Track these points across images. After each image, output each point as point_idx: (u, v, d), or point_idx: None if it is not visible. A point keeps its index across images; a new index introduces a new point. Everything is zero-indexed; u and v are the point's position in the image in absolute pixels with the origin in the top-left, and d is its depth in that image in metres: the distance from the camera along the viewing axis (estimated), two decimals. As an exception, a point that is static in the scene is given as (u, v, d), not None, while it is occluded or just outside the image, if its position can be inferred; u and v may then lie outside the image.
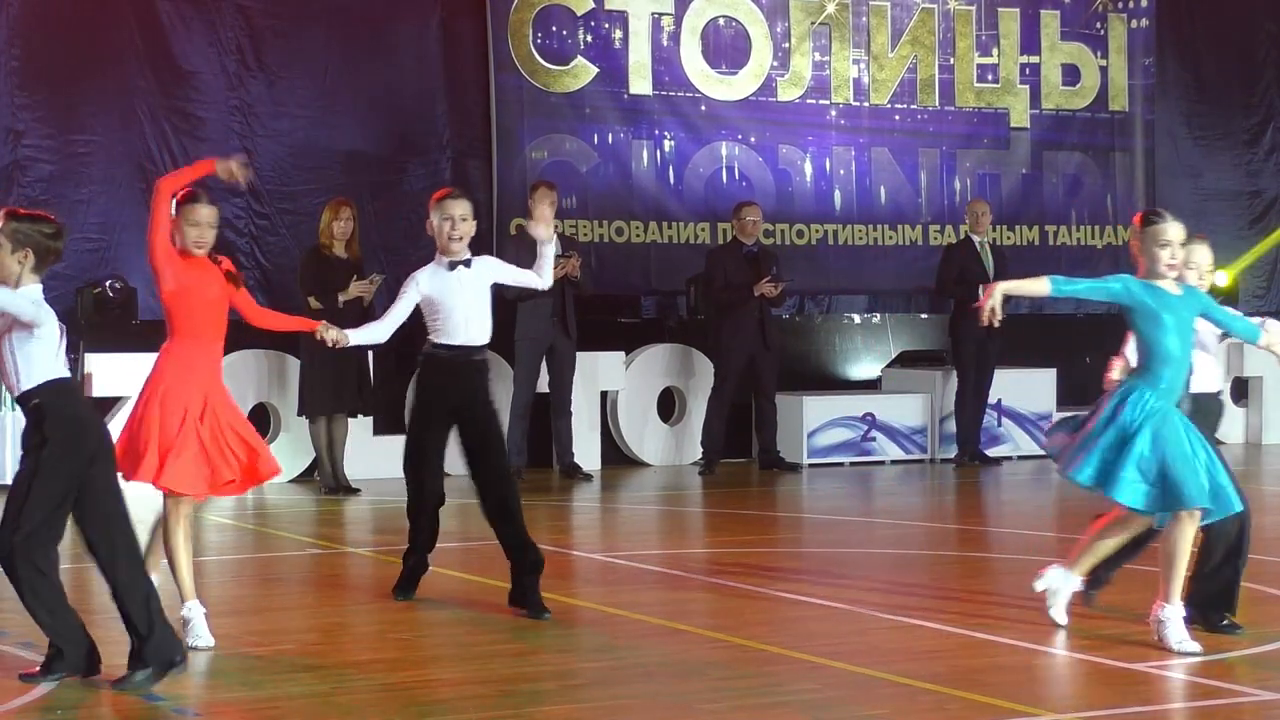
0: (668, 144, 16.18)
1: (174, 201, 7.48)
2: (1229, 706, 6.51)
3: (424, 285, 8.26)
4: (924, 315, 17.04)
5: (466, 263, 8.33)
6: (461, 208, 8.32)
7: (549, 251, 8.61)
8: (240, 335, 13.94)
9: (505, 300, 14.16)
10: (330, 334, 7.86)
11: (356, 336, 8.38)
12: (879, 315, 17.10)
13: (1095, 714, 6.36)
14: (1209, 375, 8.17)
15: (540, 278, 8.66)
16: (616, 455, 14.96)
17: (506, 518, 8.33)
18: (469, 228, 8.25)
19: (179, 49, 14.60)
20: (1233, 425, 16.99)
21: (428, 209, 8.35)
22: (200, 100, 14.69)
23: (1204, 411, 8.00)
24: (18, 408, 6.96)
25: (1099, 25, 17.75)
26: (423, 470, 8.53)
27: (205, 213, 7.53)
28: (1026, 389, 15.90)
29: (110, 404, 13.25)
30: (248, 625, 8.21)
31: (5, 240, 6.54)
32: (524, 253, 13.91)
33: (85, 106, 14.27)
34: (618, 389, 14.95)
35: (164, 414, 7.31)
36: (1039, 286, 7.67)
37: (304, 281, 13.09)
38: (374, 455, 13.88)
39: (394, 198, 15.15)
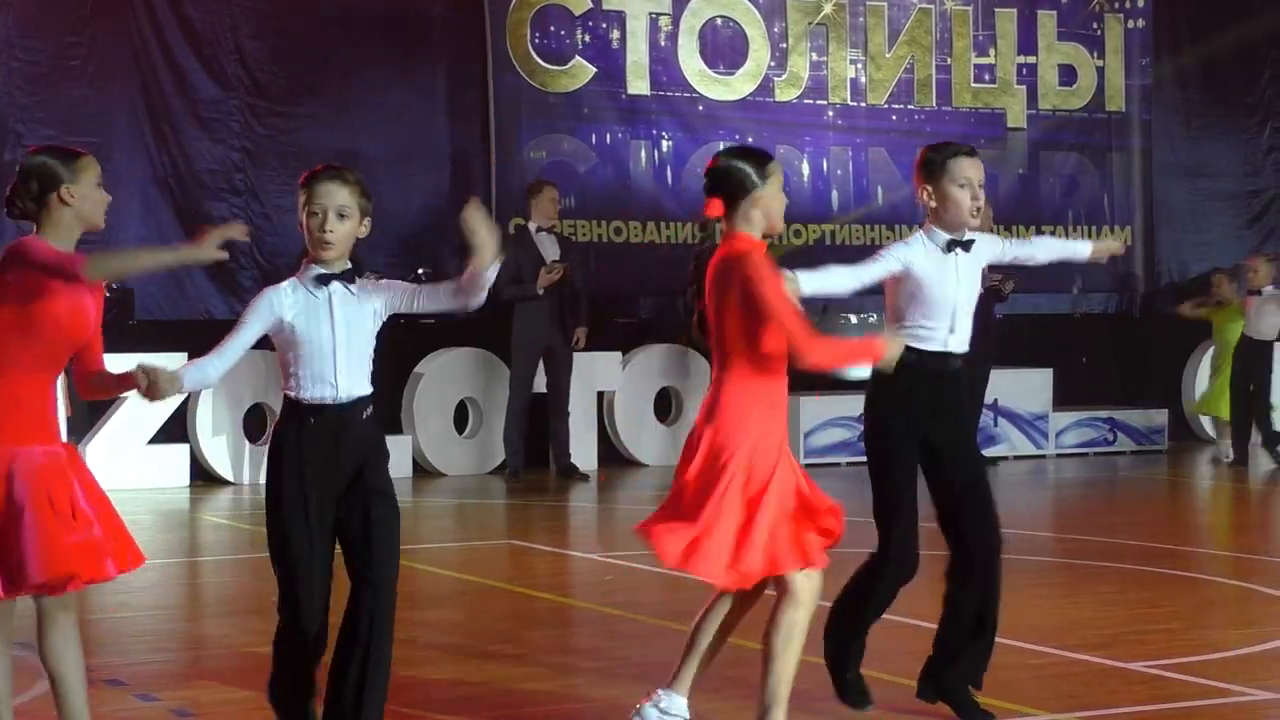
0: (665, 144, 16.23)
1: None
2: (1224, 706, 6.53)
3: (916, 264, 6.16)
4: (921, 315, 17.04)
5: (966, 244, 6.28)
6: (977, 169, 6.25)
7: None
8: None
9: (501, 301, 14.24)
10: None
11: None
12: (875, 315, 17.10)
13: (1093, 714, 6.39)
14: None
15: None
16: (613, 455, 14.99)
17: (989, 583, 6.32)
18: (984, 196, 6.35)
19: (180, 51, 14.66)
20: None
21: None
22: (202, 101, 14.75)
23: None
24: None
25: (1096, 25, 17.81)
26: (901, 525, 6.42)
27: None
28: (1022, 389, 15.95)
29: (104, 405, 13.28)
30: (248, 625, 8.22)
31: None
32: (522, 252, 14.00)
33: (86, 108, 14.31)
34: (614, 389, 14.98)
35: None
36: None
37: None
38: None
39: (393, 197, 15.16)
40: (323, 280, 5.39)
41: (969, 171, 6.20)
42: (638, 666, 7.27)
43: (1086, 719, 6.32)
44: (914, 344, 6.13)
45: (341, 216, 5.37)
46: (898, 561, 6.38)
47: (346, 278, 5.43)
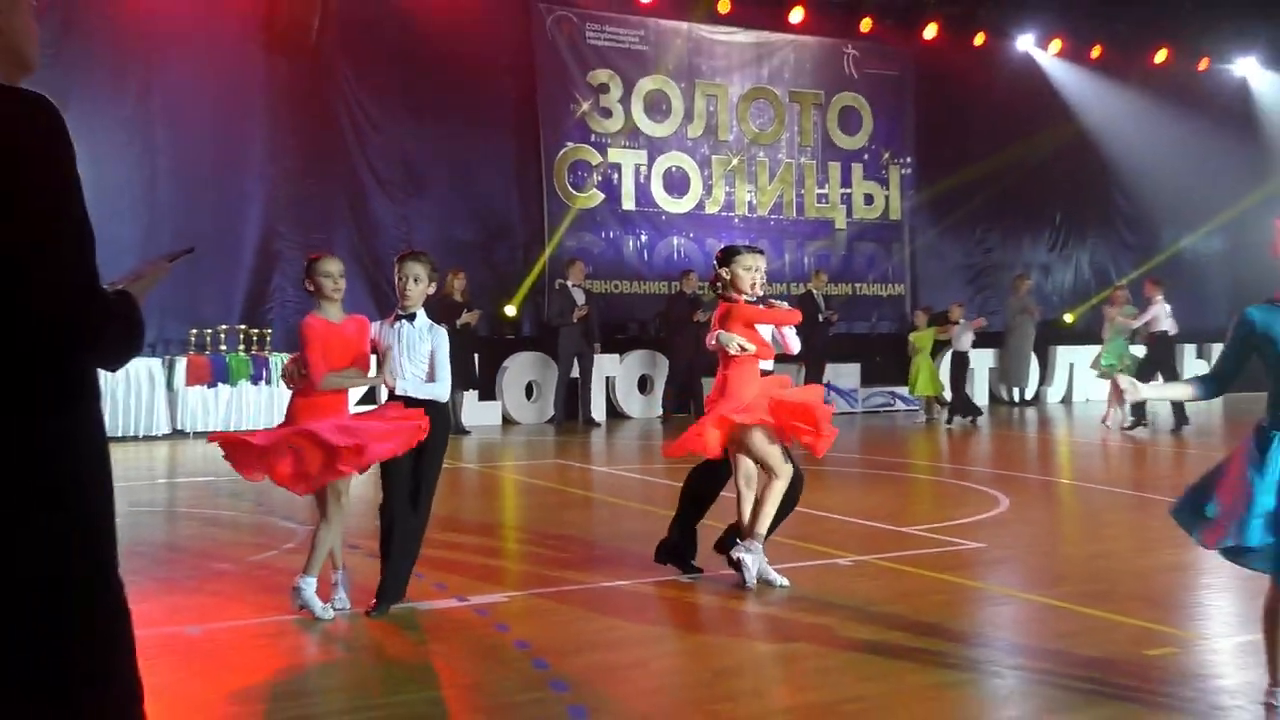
0: (643, 238, 16.25)
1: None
2: (957, 550, 6.62)
3: None
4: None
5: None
6: (758, 260, 5.82)
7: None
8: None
9: (553, 326, 14.26)
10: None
11: None
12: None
13: (884, 555, 6.43)
14: None
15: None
16: (614, 411, 15.05)
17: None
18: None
19: (369, 180, 14.70)
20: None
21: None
22: (381, 211, 14.79)
23: None
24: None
25: (884, 171, 17.91)
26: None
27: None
28: (844, 374, 16.06)
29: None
30: None
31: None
32: (564, 299, 14.07)
33: (314, 216, 14.29)
34: (615, 375, 15.06)
35: None
36: (1184, 391, 3.98)
37: (439, 315, 13.15)
38: (477, 411, 13.98)
39: (485, 266, 15.23)
40: (399, 318, 5.23)
41: (750, 262, 5.68)
42: (632, 530, 7.33)
43: (881, 559, 6.35)
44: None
45: (416, 281, 5.20)
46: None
47: (410, 319, 5.20)
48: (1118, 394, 13.57)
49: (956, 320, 14.77)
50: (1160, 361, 13.42)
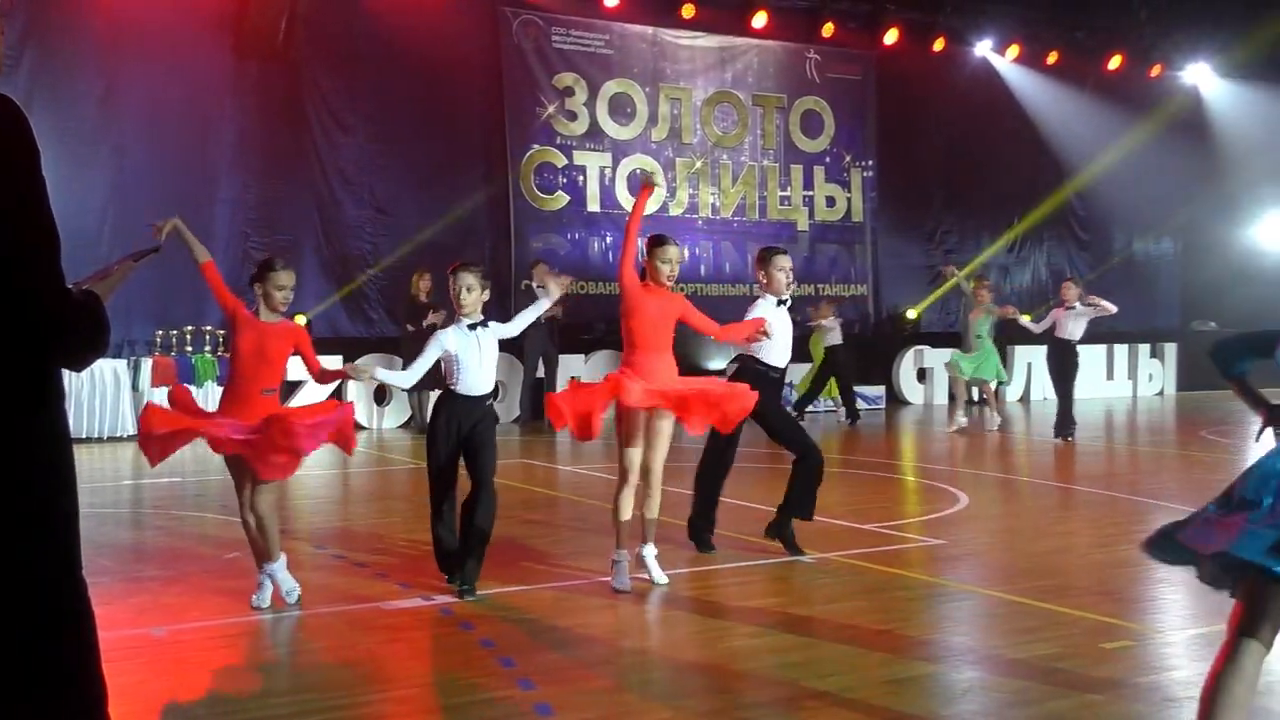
0: (608, 239, 16.23)
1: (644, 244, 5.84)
2: (916, 547, 6.65)
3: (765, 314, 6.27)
4: (750, 334, 17.10)
5: (783, 301, 6.35)
6: (789, 261, 6.41)
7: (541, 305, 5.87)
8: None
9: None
10: None
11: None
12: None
13: (846, 552, 6.46)
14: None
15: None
16: (580, 412, 15.00)
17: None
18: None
19: (339, 188, 14.58)
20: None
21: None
22: (350, 217, 14.67)
23: None
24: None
25: (845, 174, 17.98)
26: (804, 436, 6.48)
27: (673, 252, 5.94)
28: (804, 374, 16.10)
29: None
30: (384, 508, 8.12)
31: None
32: (528, 301, 14.02)
33: (283, 220, 14.17)
34: (581, 374, 15.01)
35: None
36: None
37: (405, 315, 13.11)
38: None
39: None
40: (471, 327, 5.43)
41: (785, 263, 6.19)
42: (596, 529, 7.32)
43: (842, 555, 6.38)
44: (763, 358, 6.32)
45: (469, 290, 5.42)
46: (815, 456, 6.42)
47: (483, 324, 5.44)
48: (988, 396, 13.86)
49: (825, 318, 14.71)
50: (1056, 369, 12.56)
